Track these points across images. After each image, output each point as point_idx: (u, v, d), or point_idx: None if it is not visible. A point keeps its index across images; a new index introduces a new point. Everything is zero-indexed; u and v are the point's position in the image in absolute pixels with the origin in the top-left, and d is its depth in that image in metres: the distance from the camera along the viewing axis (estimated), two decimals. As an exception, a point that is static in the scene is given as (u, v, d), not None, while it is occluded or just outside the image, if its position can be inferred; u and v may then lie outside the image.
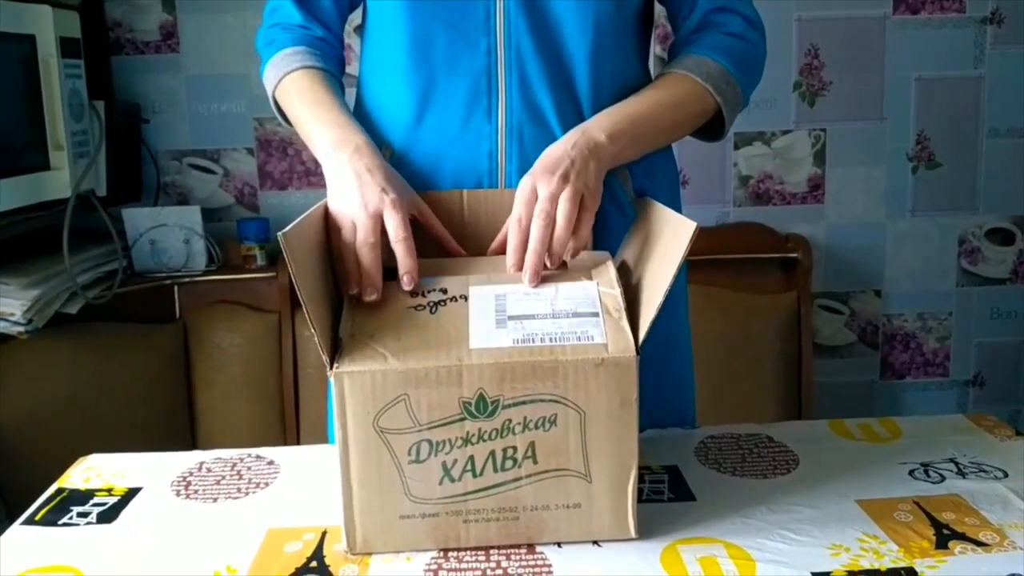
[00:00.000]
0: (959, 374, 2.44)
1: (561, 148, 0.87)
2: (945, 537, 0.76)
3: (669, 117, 0.97)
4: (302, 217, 0.77)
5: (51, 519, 0.84)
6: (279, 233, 0.70)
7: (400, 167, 0.93)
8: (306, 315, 0.71)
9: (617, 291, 0.78)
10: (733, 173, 2.32)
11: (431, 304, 0.78)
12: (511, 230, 0.83)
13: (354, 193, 0.84)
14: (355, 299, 0.79)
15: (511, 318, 0.76)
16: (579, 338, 0.73)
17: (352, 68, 1.06)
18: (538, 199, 0.83)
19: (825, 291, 2.36)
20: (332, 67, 1.01)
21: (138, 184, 2.20)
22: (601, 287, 0.79)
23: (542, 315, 0.76)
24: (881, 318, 2.40)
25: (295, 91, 0.98)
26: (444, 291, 0.79)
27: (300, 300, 0.71)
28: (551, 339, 0.73)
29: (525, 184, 0.85)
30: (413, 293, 0.79)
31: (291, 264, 0.70)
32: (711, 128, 1.01)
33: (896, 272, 2.37)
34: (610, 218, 0.95)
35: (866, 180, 2.33)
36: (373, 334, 0.74)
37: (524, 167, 0.95)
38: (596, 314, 0.76)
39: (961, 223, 2.37)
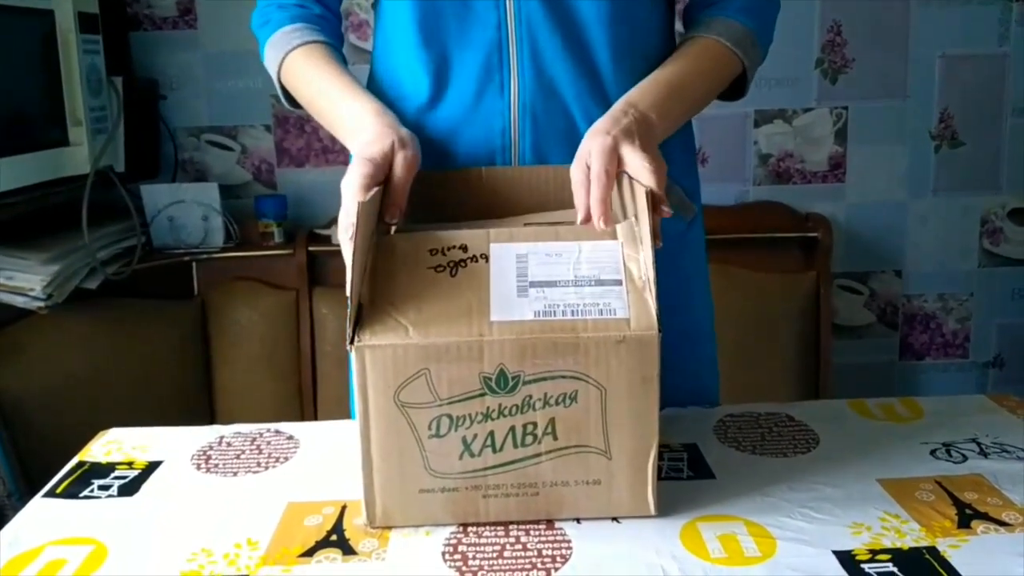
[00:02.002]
0: (979, 355, 2.42)
1: (615, 115, 0.84)
2: (967, 517, 0.76)
3: (704, 86, 0.95)
4: (373, 191, 0.77)
5: (72, 492, 0.85)
6: (359, 200, 0.71)
7: None
8: (349, 290, 0.71)
9: (641, 253, 0.76)
10: (753, 151, 2.30)
11: (451, 264, 0.77)
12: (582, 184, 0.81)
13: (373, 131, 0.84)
14: (373, 256, 0.78)
15: (532, 284, 0.75)
16: (601, 311, 0.73)
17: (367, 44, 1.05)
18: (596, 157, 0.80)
19: (845, 271, 2.35)
20: (332, 40, 0.99)
21: (156, 160, 2.20)
22: (626, 248, 0.77)
23: (564, 282, 0.75)
24: (901, 299, 2.38)
25: (300, 70, 0.95)
26: (464, 248, 0.78)
27: (350, 272, 0.71)
28: (573, 312, 0.73)
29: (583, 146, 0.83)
30: (432, 251, 0.78)
31: (357, 236, 0.70)
32: (727, 89, 0.99)
33: (917, 252, 2.35)
34: None
35: (888, 159, 2.31)
36: (393, 302, 0.74)
37: (538, 144, 0.94)
38: (619, 282, 0.75)
39: (983, 203, 2.34)
